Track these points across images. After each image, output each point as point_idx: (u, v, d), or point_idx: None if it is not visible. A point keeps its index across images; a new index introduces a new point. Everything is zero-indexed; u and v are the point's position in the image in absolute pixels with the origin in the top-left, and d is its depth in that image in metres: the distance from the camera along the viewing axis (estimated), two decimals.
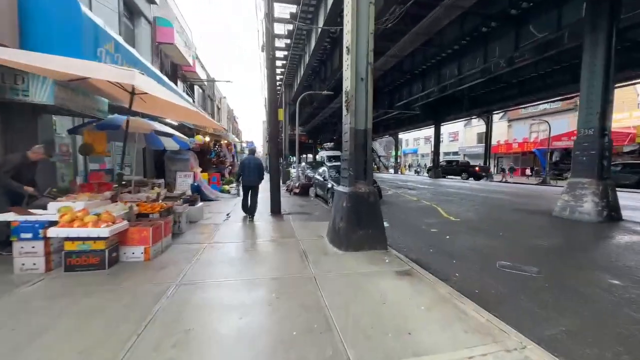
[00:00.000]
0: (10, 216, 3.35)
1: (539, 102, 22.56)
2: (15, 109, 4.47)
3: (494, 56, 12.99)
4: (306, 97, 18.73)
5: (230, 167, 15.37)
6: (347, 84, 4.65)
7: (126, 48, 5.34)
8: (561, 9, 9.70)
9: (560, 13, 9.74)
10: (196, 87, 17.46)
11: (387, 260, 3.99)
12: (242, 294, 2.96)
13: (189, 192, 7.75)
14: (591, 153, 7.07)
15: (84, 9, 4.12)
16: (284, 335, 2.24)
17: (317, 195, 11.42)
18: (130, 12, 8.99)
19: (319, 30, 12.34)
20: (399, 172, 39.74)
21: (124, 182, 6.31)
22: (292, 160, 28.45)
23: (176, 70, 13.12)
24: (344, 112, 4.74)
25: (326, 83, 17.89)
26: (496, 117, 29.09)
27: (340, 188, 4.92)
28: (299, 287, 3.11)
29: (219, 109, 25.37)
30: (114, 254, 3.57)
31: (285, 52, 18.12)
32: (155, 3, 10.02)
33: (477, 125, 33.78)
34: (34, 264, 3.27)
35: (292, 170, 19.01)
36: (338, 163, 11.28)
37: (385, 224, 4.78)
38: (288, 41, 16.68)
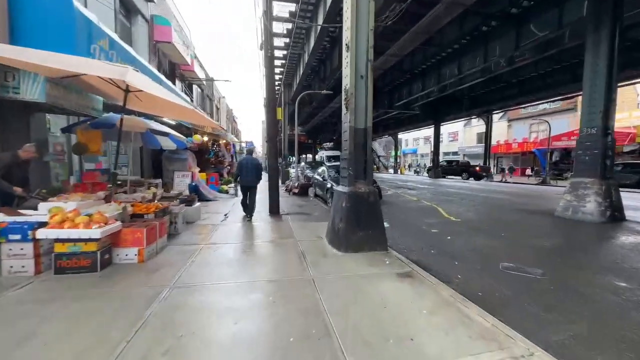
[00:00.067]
0: None
1: (539, 102, 22.51)
2: (6, 107, 4.36)
3: (494, 55, 12.91)
4: (305, 97, 18.63)
5: (229, 167, 15.26)
6: (346, 81, 4.55)
7: (121, 45, 5.25)
8: (562, 7, 9.62)
9: (562, 11, 9.67)
10: (195, 87, 17.36)
11: (387, 262, 3.89)
12: (238, 297, 2.86)
13: (187, 192, 7.66)
14: (594, 152, 6.98)
15: (77, 4, 4.02)
16: (280, 342, 2.14)
17: (316, 195, 11.33)
18: (127, 9, 8.88)
19: (318, 28, 12.25)
20: (399, 172, 39.66)
21: (119, 182, 6.21)
22: (291, 160, 28.34)
23: (174, 69, 13.01)
24: (344, 110, 4.65)
25: (325, 82, 17.80)
26: (496, 117, 29.03)
27: (339, 188, 4.82)
28: (297, 290, 3.01)
29: (217, 108, 25.27)
30: (107, 256, 3.46)
31: (285, 52, 18.02)
32: (152, 1, 9.91)
33: (477, 125, 33.72)
34: (23, 266, 3.16)
35: (292, 170, 18.92)
36: (337, 163, 11.18)
37: (385, 225, 4.69)
38: (287, 40, 16.59)
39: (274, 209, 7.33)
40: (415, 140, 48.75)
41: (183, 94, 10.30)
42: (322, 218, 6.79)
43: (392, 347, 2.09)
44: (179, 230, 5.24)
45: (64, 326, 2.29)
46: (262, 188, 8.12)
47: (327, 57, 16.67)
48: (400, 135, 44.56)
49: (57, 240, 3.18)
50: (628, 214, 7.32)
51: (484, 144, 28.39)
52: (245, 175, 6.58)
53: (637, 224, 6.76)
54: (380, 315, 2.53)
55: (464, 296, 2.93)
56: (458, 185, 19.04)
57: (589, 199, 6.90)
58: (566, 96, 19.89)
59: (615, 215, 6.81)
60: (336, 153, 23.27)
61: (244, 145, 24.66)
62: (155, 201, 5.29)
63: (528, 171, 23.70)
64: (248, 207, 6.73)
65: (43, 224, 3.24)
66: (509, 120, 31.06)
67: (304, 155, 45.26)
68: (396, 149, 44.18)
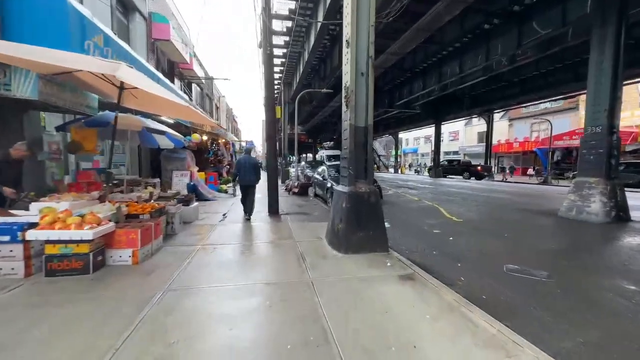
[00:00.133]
0: None
1: (540, 101, 22.36)
2: None
3: (496, 54, 12.79)
4: (305, 96, 18.50)
5: (228, 167, 15.17)
6: (346, 78, 4.44)
7: (117, 42, 5.13)
8: (565, 4, 9.49)
9: (565, 9, 9.53)
10: (194, 86, 17.25)
11: (388, 264, 3.79)
12: (234, 301, 2.75)
13: (185, 192, 7.56)
14: (599, 152, 6.86)
15: None
16: (277, 349, 2.04)
17: (316, 195, 11.22)
18: (125, 6, 8.77)
19: (318, 25, 12.12)
20: (399, 172, 39.54)
21: (115, 182, 6.11)
22: (291, 159, 28.23)
23: (173, 67, 12.90)
24: (344, 108, 4.54)
25: (326, 81, 17.68)
26: (497, 116, 28.89)
27: (339, 188, 4.71)
28: (295, 293, 2.91)
29: (217, 107, 25.16)
30: (100, 258, 3.36)
31: (285, 50, 17.88)
32: None
33: (478, 124, 33.58)
34: (12, 268, 3.06)
35: (291, 170, 18.81)
36: (338, 162, 11.07)
37: (386, 225, 4.58)
38: (287, 38, 16.46)
39: (273, 209, 7.23)
40: (416, 139, 48.60)
41: (182, 93, 10.18)
42: (322, 218, 6.69)
43: (393, 356, 1.98)
44: (176, 230, 5.15)
45: (51, 332, 2.19)
46: (262, 188, 8.03)
47: (327, 56, 16.54)
48: (401, 135, 44.43)
49: (48, 241, 3.08)
50: (633, 214, 7.20)
51: (484, 143, 28.26)
52: (244, 175, 6.51)
53: None
54: (382, 320, 2.43)
55: (468, 300, 2.83)
56: (459, 184, 18.92)
57: (593, 199, 6.78)
58: (568, 95, 19.75)
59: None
60: (336, 152, 23.16)
61: (244, 144, 24.56)
62: (152, 201, 5.19)
63: (530, 171, 23.53)
64: (247, 206, 6.67)
65: (33, 225, 3.14)
66: (510, 120, 30.91)
67: (304, 155, 45.17)
68: (397, 148, 44.05)
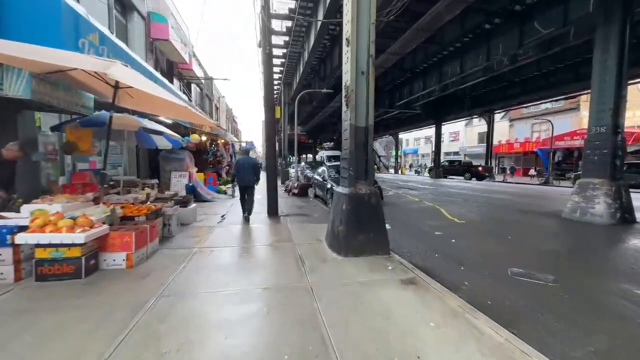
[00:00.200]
0: None
1: (541, 102, 22.25)
2: None
3: (497, 54, 12.69)
4: (305, 96, 18.42)
5: (228, 167, 15.07)
6: (347, 77, 4.35)
7: (113, 40, 5.05)
8: (567, 4, 9.40)
9: (567, 8, 9.44)
10: (193, 86, 17.17)
11: (389, 267, 3.69)
12: (230, 307, 2.66)
13: (183, 193, 7.46)
14: (603, 152, 6.75)
15: None
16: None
17: (316, 196, 11.13)
18: (123, 5, 8.69)
19: (319, 24, 12.04)
20: (400, 172, 39.43)
21: (112, 183, 6.02)
22: (291, 160, 28.14)
23: (172, 67, 12.81)
24: (344, 107, 4.44)
25: (326, 81, 17.59)
26: (497, 116, 28.77)
27: (339, 189, 4.61)
28: (293, 299, 2.81)
29: (217, 108, 25.08)
30: (92, 262, 3.26)
31: (284, 50, 17.80)
32: None
33: (478, 125, 33.49)
34: (1, 273, 2.96)
35: (291, 170, 18.72)
36: (338, 163, 10.97)
37: (387, 227, 4.48)
38: (287, 38, 16.37)
39: (272, 210, 7.13)
40: (416, 140, 48.50)
41: (180, 93, 10.10)
42: (321, 219, 6.59)
43: None
44: (173, 232, 5.04)
45: (39, 340, 2.10)
46: (261, 188, 7.93)
47: (327, 56, 16.46)
48: (401, 135, 44.33)
49: (38, 245, 2.98)
50: (639, 216, 7.09)
51: (485, 144, 28.13)
52: (243, 175, 6.44)
53: None
54: (383, 328, 2.33)
55: (472, 305, 2.74)
56: (460, 185, 18.82)
57: (598, 200, 6.67)
58: (569, 95, 19.65)
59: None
60: (336, 153, 23.06)
61: (243, 144, 24.47)
62: (149, 202, 5.10)
63: (531, 171, 23.42)
64: (246, 206, 6.61)
65: (23, 228, 3.05)
66: (511, 120, 30.81)
67: (304, 155, 45.06)
68: (397, 149, 43.95)
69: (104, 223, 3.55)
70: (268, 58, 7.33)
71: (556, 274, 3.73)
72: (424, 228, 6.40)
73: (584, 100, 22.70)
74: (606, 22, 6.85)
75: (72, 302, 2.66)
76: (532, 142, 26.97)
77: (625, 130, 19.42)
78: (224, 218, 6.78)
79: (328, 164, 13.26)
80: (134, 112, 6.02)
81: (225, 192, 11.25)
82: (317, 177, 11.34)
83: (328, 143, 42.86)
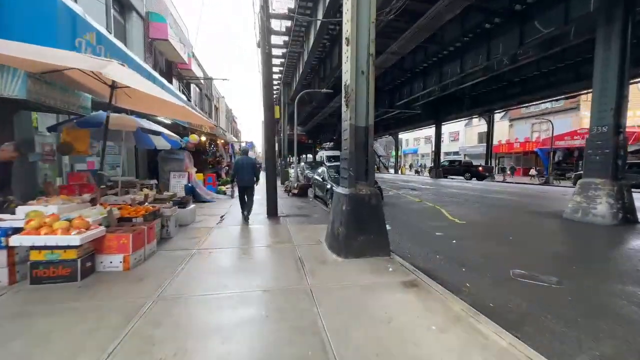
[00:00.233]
0: None
1: (542, 101, 22.20)
2: None
3: (497, 53, 12.64)
4: (305, 96, 18.36)
5: (227, 167, 15.02)
6: (346, 77, 4.30)
7: (110, 40, 4.99)
8: (568, 2, 9.35)
9: (567, 7, 9.39)
10: (193, 86, 17.11)
11: (390, 269, 3.64)
12: (228, 311, 2.60)
13: (182, 194, 7.41)
14: (605, 152, 6.70)
15: None
16: None
17: (316, 196, 11.07)
18: (121, 5, 8.63)
19: (318, 24, 11.99)
20: (399, 172, 39.39)
21: (110, 183, 5.96)
22: (291, 160, 28.08)
23: (171, 68, 12.75)
24: (344, 107, 4.39)
25: (325, 82, 17.54)
26: (497, 116, 28.74)
27: (339, 190, 4.56)
28: (293, 302, 2.76)
29: (217, 108, 25.02)
30: (89, 264, 3.21)
31: (284, 50, 17.75)
32: None
33: (478, 125, 33.46)
34: None
35: (291, 171, 18.66)
36: (337, 163, 10.91)
37: (387, 227, 4.43)
38: (286, 38, 16.32)
39: (271, 211, 7.08)
40: (416, 140, 48.46)
41: (180, 93, 10.04)
42: (321, 220, 6.54)
43: None
44: (171, 234, 4.99)
45: (31, 345, 2.04)
46: (261, 189, 7.89)
47: (327, 56, 16.42)
48: (401, 135, 44.29)
49: (33, 247, 2.93)
50: None
51: (485, 144, 28.10)
52: (242, 175, 6.40)
53: None
54: (385, 333, 2.27)
55: (475, 308, 2.68)
56: (460, 185, 18.78)
57: (599, 200, 6.62)
58: (569, 95, 19.60)
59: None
60: (336, 153, 22.99)
61: (243, 145, 24.42)
62: (147, 203, 5.04)
63: (532, 171, 23.37)
64: (245, 206, 6.59)
65: (18, 230, 2.99)
66: (511, 120, 30.78)
67: (303, 155, 44.99)
68: (397, 149, 43.91)
69: (100, 225, 3.49)
70: (267, 58, 7.28)
71: (559, 276, 3.68)
72: (424, 229, 6.35)
73: (584, 100, 22.66)
74: (608, 21, 6.80)
75: (67, 306, 2.61)
76: (532, 142, 26.94)
77: (626, 129, 19.39)
78: (223, 219, 6.72)
79: (328, 164, 13.21)
80: (132, 112, 5.97)
81: (224, 193, 11.20)
82: (317, 177, 11.29)
83: (328, 143, 42.80)
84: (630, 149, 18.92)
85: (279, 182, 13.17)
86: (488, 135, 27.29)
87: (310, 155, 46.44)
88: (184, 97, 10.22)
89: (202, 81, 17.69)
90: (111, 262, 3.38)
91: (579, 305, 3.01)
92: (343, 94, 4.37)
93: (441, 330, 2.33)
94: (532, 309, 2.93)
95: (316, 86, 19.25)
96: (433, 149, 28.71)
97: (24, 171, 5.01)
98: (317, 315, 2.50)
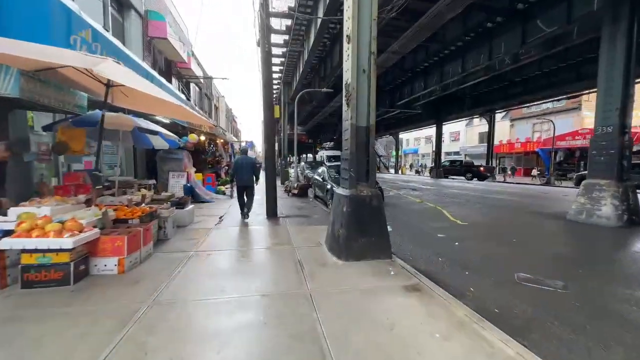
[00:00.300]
0: None
1: (543, 101, 22.08)
2: None
3: (499, 53, 12.53)
4: (305, 96, 18.27)
5: (227, 167, 14.94)
6: (347, 75, 4.21)
7: (107, 37, 4.89)
8: (571, 1, 9.24)
9: (570, 6, 9.28)
10: (192, 86, 17.01)
11: (392, 272, 3.55)
12: (225, 316, 2.52)
13: (180, 194, 7.33)
14: (610, 152, 6.60)
15: None
16: None
17: (316, 197, 10.99)
18: (120, 3, 8.54)
19: (319, 22, 11.89)
20: (400, 172, 39.28)
21: (107, 184, 5.88)
22: (291, 160, 27.99)
23: (170, 67, 12.67)
24: (344, 107, 4.31)
25: (326, 81, 17.44)
26: (498, 116, 28.59)
27: (340, 190, 4.47)
28: (292, 307, 2.67)
29: (216, 108, 24.93)
30: (82, 267, 3.13)
31: (284, 49, 17.64)
32: None
33: (479, 125, 33.34)
34: None
35: (291, 171, 18.58)
36: (338, 163, 10.83)
37: (388, 229, 4.34)
38: (286, 37, 16.21)
39: (271, 211, 6.99)
40: (417, 139, 48.34)
41: (179, 92, 9.95)
42: (321, 221, 6.45)
43: None
44: (169, 235, 4.91)
45: (22, 351, 1.97)
46: (260, 189, 7.81)
47: (328, 55, 16.32)
48: (402, 135, 44.16)
49: (24, 250, 2.85)
50: None
51: (485, 144, 27.97)
52: (241, 175, 6.34)
53: None
54: (387, 339, 2.19)
55: (479, 313, 2.60)
56: (461, 185, 18.68)
57: (604, 201, 6.52)
58: (571, 95, 19.49)
59: (633, 219, 6.42)
60: (337, 153, 22.90)
61: (243, 144, 24.33)
62: (144, 204, 4.96)
63: (534, 171, 23.27)
64: (245, 206, 6.55)
65: (9, 233, 2.91)
66: (512, 120, 30.66)
67: (304, 155, 44.88)
68: (397, 149, 43.79)
69: (95, 226, 3.41)
70: (267, 56, 7.20)
71: (565, 280, 3.59)
72: (426, 230, 6.26)
73: (586, 100, 22.56)
74: (614, 20, 6.69)
75: (59, 311, 2.53)
76: (533, 142, 26.83)
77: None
78: (222, 219, 6.64)
79: (328, 164, 13.13)
80: (129, 112, 5.89)
81: (224, 193, 11.12)
82: (317, 177, 11.20)
83: (328, 143, 42.71)
84: (635, 148, 18.82)
85: (278, 182, 13.08)
86: (489, 135, 27.15)
87: (310, 155, 46.31)
88: (183, 96, 10.13)
89: (201, 80, 17.61)
90: (105, 265, 3.30)
91: (586, 310, 2.93)
92: (344, 93, 4.29)
93: (445, 337, 2.24)
94: (538, 314, 2.85)
95: (316, 85, 19.15)
96: (434, 149, 28.60)
97: (19, 171, 4.92)
98: (316, 321, 2.42)
